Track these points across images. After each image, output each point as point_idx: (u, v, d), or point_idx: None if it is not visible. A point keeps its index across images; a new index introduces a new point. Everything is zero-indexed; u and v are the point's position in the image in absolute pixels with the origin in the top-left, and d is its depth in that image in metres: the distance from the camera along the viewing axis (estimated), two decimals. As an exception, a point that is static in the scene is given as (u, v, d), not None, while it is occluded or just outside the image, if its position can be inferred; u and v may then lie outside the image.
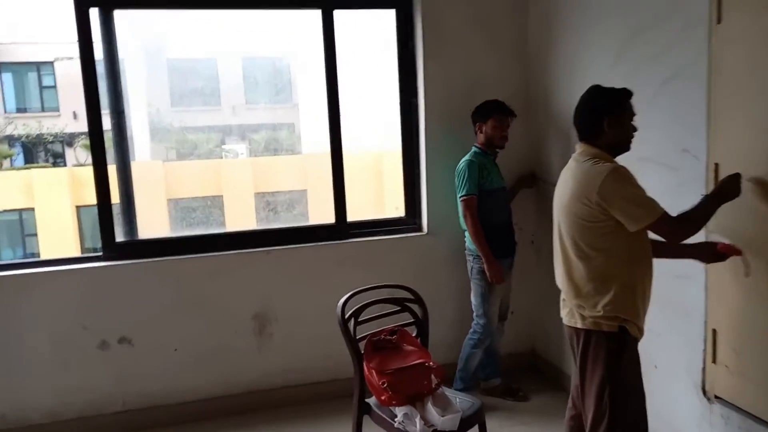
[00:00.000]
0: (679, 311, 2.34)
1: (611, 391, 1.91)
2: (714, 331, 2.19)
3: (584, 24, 2.89)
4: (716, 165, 2.12)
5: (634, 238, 1.90)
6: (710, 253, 1.97)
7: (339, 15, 3.34)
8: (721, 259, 1.96)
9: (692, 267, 2.18)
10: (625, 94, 1.99)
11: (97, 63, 3.03)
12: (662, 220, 1.84)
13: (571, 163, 2.05)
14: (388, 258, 3.34)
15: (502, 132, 3.12)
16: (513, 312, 3.38)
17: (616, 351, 1.92)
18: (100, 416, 3.10)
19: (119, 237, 3.18)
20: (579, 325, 1.98)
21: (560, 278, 2.08)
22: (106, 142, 3.09)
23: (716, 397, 2.21)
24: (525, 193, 3.44)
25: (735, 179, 1.91)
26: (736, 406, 2.11)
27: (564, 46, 3.09)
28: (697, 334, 2.26)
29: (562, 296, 2.10)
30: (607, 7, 2.69)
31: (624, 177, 1.88)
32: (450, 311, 3.37)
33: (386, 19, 3.48)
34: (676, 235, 1.90)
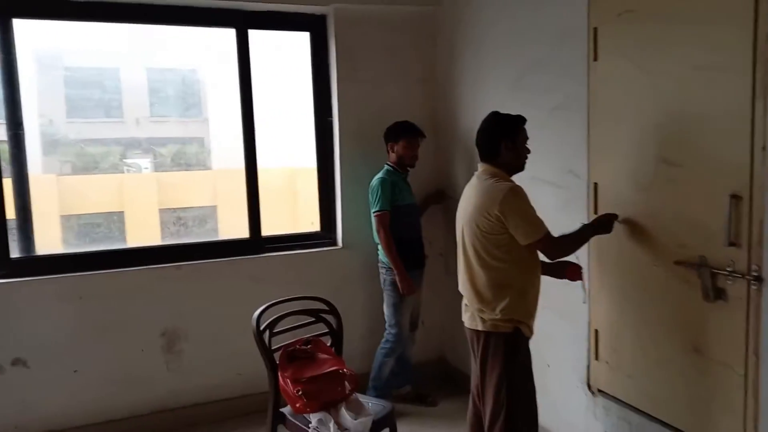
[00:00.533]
0: (567, 315, 2.61)
1: (508, 385, 2.11)
2: (596, 331, 2.47)
3: (485, 57, 3.17)
4: (595, 184, 2.41)
5: (527, 249, 2.12)
6: (562, 273, 2.25)
7: (254, 34, 3.41)
8: (572, 279, 2.24)
9: (577, 274, 2.45)
10: (520, 120, 2.22)
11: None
12: (546, 239, 2.08)
13: (474, 181, 2.25)
14: (303, 271, 3.40)
15: (413, 152, 3.31)
16: (423, 322, 3.54)
17: (511, 350, 2.12)
18: (-11, 445, 2.89)
19: (14, 253, 3.00)
20: (480, 328, 2.17)
21: (463, 285, 2.26)
22: (0, 155, 2.93)
23: (599, 390, 2.47)
24: (434, 209, 3.64)
25: (610, 218, 2.21)
26: (615, 397, 2.38)
27: (468, 75, 3.35)
28: (583, 335, 2.53)
29: (464, 301, 2.28)
30: (506, 43, 2.97)
31: (520, 196, 2.10)
32: (363, 322, 3.47)
33: (301, 40, 3.59)
34: (554, 252, 2.16)
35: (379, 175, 3.27)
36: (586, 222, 2.34)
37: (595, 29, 2.31)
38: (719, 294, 1.90)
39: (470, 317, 2.23)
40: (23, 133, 3.02)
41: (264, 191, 3.49)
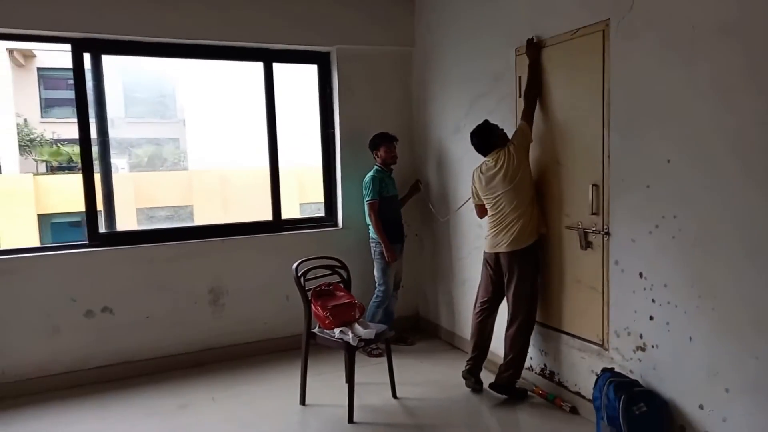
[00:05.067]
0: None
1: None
2: (522, 277, 3.66)
3: (448, 87, 4.36)
4: (521, 179, 3.61)
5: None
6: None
7: (276, 66, 4.52)
8: None
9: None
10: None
11: None
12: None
13: (490, 163, 3.43)
14: (313, 246, 4.47)
15: (392, 153, 4.43)
16: (403, 285, 4.69)
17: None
18: (82, 371, 3.90)
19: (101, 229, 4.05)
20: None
21: None
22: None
23: (524, 317, 3.67)
24: (413, 201, 4.78)
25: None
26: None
27: (435, 99, 4.54)
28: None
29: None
30: (462, 78, 4.16)
31: None
32: (358, 283, 4.57)
33: (310, 71, 4.72)
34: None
35: (370, 173, 4.40)
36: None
37: (519, 77, 3.52)
38: (589, 244, 3.11)
39: None
40: (108, 140, 4.07)
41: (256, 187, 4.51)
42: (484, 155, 3.50)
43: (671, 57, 2.54)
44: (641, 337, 2.80)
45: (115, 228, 4.11)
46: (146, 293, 4.07)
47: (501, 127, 3.49)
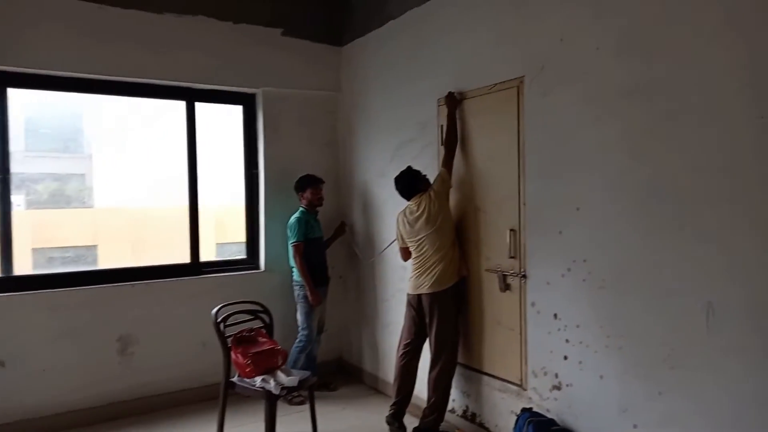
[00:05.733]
0: (428, 311, 3.86)
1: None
2: (445, 320, 3.73)
3: (374, 132, 4.47)
4: (444, 223, 3.73)
5: None
6: None
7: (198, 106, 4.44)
8: None
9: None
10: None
11: None
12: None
13: (413, 207, 3.50)
14: (233, 289, 4.30)
15: (318, 195, 4.44)
16: (326, 329, 4.63)
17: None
18: (-34, 435, 3.48)
19: (-4, 273, 3.71)
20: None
21: None
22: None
23: (447, 359, 3.71)
24: (337, 243, 4.78)
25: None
26: (460, 363, 3.63)
27: (361, 144, 4.63)
28: (437, 323, 3.79)
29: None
30: (387, 125, 4.29)
31: None
32: (280, 328, 4.46)
33: (235, 111, 4.67)
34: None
35: (296, 214, 4.37)
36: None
37: (441, 126, 3.68)
38: (507, 287, 3.24)
39: None
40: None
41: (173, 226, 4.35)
42: (408, 199, 3.59)
43: (582, 113, 2.77)
44: (557, 376, 2.92)
45: (12, 272, 3.77)
46: (46, 343, 3.74)
47: (424, 173, 3.61)
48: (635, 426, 2.53)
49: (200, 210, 4.46)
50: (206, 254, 4.58)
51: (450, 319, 3.42)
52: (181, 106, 4.39)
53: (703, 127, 2.26)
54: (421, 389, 3.58)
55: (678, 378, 2.36)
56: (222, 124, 4.93)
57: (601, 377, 2.69)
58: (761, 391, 2.08)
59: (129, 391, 4.00)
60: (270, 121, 4.60)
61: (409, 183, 3.57)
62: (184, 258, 4.40)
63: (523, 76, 3.08)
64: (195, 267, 4.38)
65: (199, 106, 4.46)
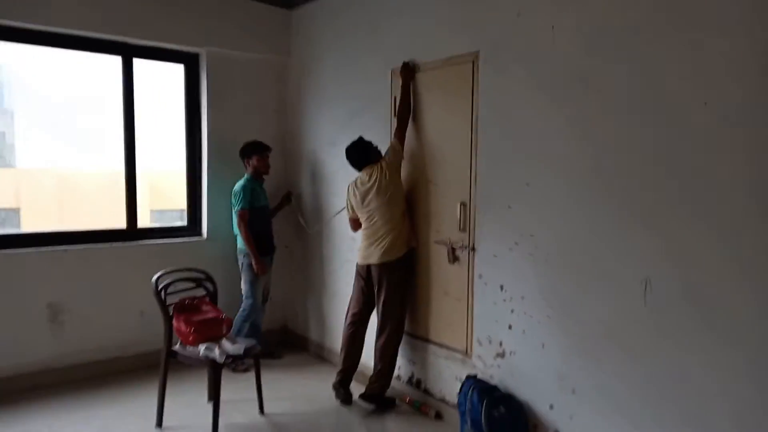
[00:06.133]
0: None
1: None
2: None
3: (324, 101, 4.37)
4: (394, 194, 3.73)
5: None
6: None
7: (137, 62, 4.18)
8: None
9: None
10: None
11: None
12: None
13: (364, 178, 3.47)
14: (174, 257, 4.12)
15: (265, 163, 4.32)
16: (272, 298, 4.57)
17: None
18: None
19: None
20: None
21: None
22: None
23: (393, 329, 3.78)
24: (284, 212, 4.69)
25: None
26: (404, 331, 3.70)
27: (310, 112, 4.53)
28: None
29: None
30: (339, 93, 4.20)
31: None
32: (223, 296, 4.35)
33: (177, 70, 4.43)
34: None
35: (241, 182, 4.24)
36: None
37: (395, 97, 3.65)
38: (456, 259, 3.31)
39: None
40: None
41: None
42: (359, 170, 3.56)
43: (534, 92, 2.82)
44: (501, 344, 3.04)
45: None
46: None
47: (375, 144, 3.59)
48: (573, 391, 2.68)
49: (137, 174, 4.24)
50: (141, 221, 4.37)
51: (398, 289, 3.46)
52: (117, 61, 4.11)
53: (648, 114, 2.36)
54: (368, 357, 3.63)
55: (615, 348, 2.51)
56: (162, 84, 4.68)
57: (543, 346, 2.82)
58: (691, 362, 2.25)
59: (60, 359, 3.81)
60: (214, 84, 4.40)
61: (361, 154, 3.54)
62: (120, 224, 4.19)
63: (478, 51, 3.09)
64: (132, 233, 4.18)
65: (138, 63, 4.19)
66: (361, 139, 3.60)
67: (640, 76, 2.38)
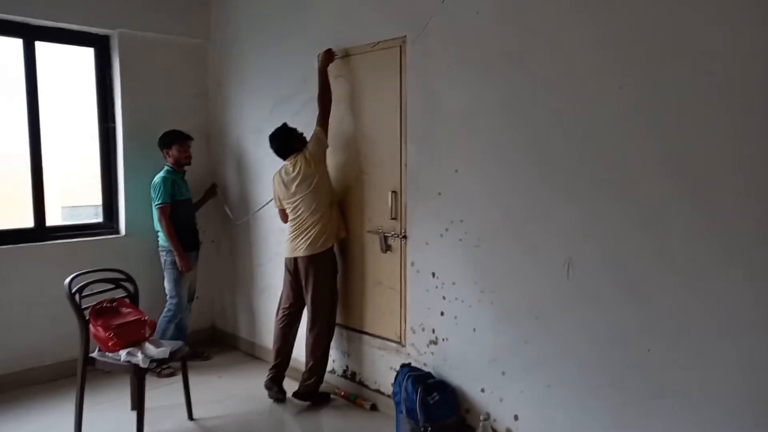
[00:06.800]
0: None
1: None
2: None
3: (248, 86, 4.20)
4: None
5: None
6: None
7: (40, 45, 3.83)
8: None
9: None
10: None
11: None
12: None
13: (289, 167, 3.35)
14: (90, 256, 3.88)
15: (186, 153, 4.09)
16: (198, 296, 4.37)
17: None
18: None
19: None
20: None
21: None
22: None
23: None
24: (209, 205, 4.48)
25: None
26: (337, 323, 3.64)
27: (235, 97, 4.34)
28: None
29: None
30: (264, 78, 4.04)
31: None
32: (146, 298, 4.12)
33: (86, 54, 4.11)
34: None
35: (161, 174, 4.00)
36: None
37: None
38: (389, 248, 3.28)
39: None
40: None
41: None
42: (283, 159, 3.44)
43: (461, 76, 2.81)
44: (434, 331, 3.04)
45: None
46: None
47: (300, 131, 3.48)
48: (503, 373, 2.73)
49: (44, 167, 3.91)
50: (52, 218, 4.05)
51: (327, 282, 3.39)
52: (17, 44, 3.75)
53: (569, 94, 2.41)
54: (300, 352, 3.55)
55: (542, 326, 2.57)
56: (69, 69, 4.33)
57: (474, 330, 2.85)
58: (614, 332, 2.34)
59: (-40, 375, 3.47)
60: (128, 68, 4.11)
61: (284, 142, 3.42)
62: (26, 222, 3.85)
63: (405, 36, 3.05)
64: (41, 232, 3.86)
65: (41, 47, 3.85)
66: (284, 126, 3.48)
67: (563, 52, 2.42)
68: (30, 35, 3.77)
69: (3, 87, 3.92)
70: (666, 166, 2.15)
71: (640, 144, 2.21)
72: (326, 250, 3.36)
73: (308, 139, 3.44)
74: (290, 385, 3.52)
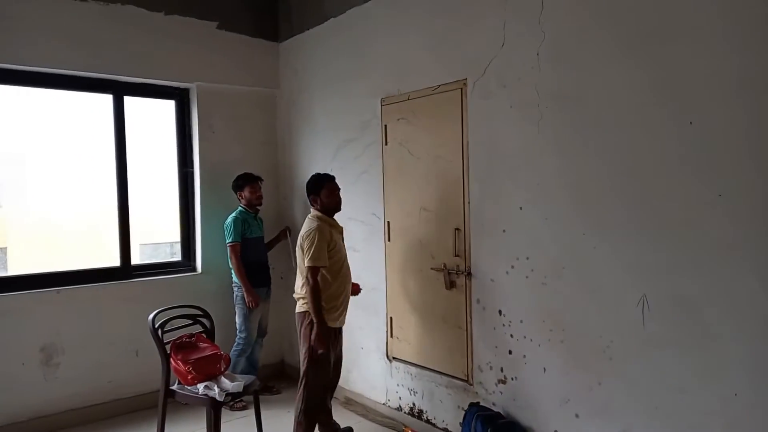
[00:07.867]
0: (372, 310, 3.87)
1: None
2: (390, 318, 3.76)
3: (314, 132, 4.40)
4: (388, 222, 3.74)
5: (331, 266, 3.20)
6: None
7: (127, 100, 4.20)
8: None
9: (379, 281, 3.74)
10: (327, 178, 3.36)
11: None
12: (309, 269, 3.10)
13: (306, 219, 3.37)
14: (169, 293, 4.11)
15: (257, 193, 4.31)
16: (268, 333, 4.51)
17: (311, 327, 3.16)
18: None
19: None
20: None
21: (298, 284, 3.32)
22: None
23: (393, 357, 3.75)
24: (281, 244, 4.66)
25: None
26: (402, 360, 3.67)
27: (302, 142, 4.55)
28: (382, 322, 3.81)
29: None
30: (328, 125, 4.23)
31: (318, 233, 3.16)
32: (221, 333, 4.30)
33: (167, 106, 4.46)
34: (308, 283, 3.11)
35: (233, 214, 4.23)
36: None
37: (385, 125, 3.69)
38: (453, 284, 3.30)
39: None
40: None
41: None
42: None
43: (521, 116, 2.86)
44: (502, 370, 3.01)
45: None
46: (-43, 357, 3.41)
47: (331, 189, 3.33)
48: (577, 415, 2.65)
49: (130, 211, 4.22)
50: (133, 257, 4.33)
51: (304, 344, 3.25)
52: (107, 99, 4.13)
53: (621, 133, 2.40)
54: (366, 388, 3.58)
55: (615, 368, 2.50)
56: (149, 120, 4.68)
57: (544, 370, 2.80)
58: (689, 378, 2.24)
59: (55, 403, 3.72)
60: (205, 118, 4.42)
61: (307, 191, 3.38)
62: (113, 261, 4.15)
63: (466, 79, 3.14)
64: (125, 270, 4.15)
65: (128, 100, 4.21)
66: (316, 175, 3.43)
67: (615, 95, 2.42)
68: (119, 91, 4.14)
69: (95, 137, 4.29)
70: (734, 205, 2.09)
71: (705, 182, 2.17)
72: (302, 312, 3.31)
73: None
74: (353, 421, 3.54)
